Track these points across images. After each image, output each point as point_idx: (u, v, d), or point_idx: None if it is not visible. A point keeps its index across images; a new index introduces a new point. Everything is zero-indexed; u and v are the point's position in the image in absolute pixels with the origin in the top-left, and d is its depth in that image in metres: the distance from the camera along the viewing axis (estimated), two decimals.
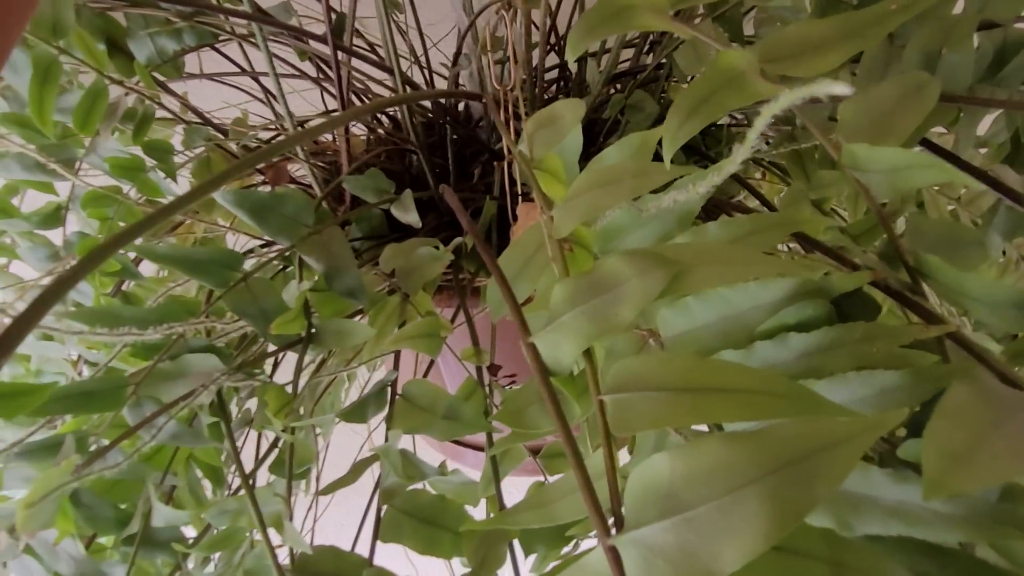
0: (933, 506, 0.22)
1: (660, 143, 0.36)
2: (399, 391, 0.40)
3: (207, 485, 0.48)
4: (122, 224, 0.49)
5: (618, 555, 0.18)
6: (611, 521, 0.19)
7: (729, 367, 0.21)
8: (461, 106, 0.64)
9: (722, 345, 0.30)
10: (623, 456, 0.45)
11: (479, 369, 0.43)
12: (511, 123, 0.47)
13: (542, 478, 0.48)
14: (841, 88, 0.20)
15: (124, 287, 0.57)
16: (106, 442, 0.37)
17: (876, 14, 0.29)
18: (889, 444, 0.27)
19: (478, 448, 0.63)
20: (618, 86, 0.58)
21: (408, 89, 0.52)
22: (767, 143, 0.66)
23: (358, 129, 0.65)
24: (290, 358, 0.56)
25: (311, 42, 0.54)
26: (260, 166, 0.59)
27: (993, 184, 0.39)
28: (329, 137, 0.66)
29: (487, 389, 0.44)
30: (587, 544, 0.33)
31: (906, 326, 0.27)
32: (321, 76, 0.62)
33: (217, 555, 0.44)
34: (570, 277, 0.27)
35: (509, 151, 0.49)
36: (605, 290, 0.25)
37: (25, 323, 0.19)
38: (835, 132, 0.30)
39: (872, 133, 0.30)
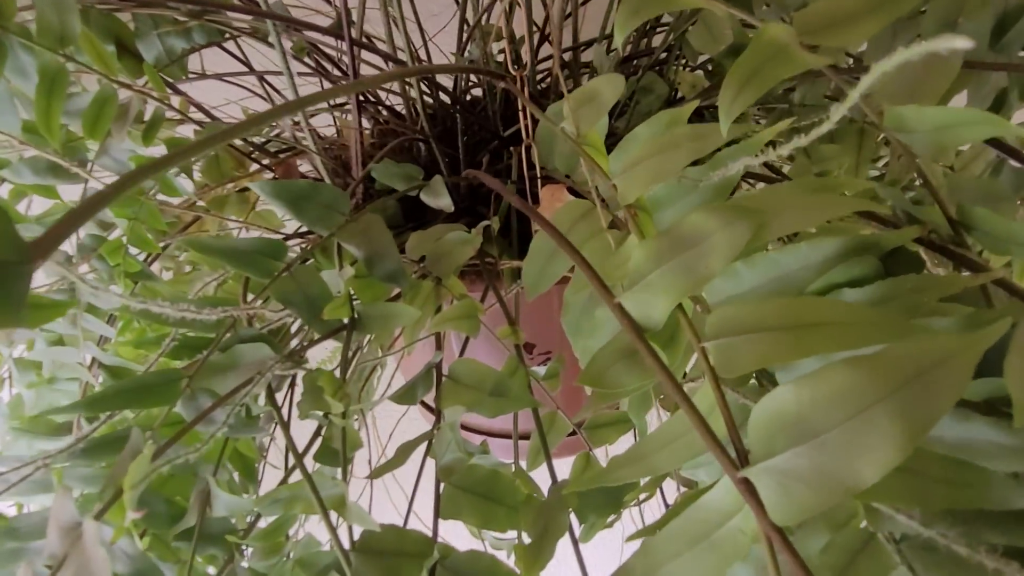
0: (995, 439, 0.24)
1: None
2: (445, 372, 0.41)
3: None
4: (144, 227, 0.49)
5: (752, 486, 0.20)
6: (733, 456, 0.21)
7: (822, 303, 0.23)
8: (467, 95, 0.65)
9: None
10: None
11: (517, 348, 0.44)
12: (528, 106, 0.48)
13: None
14: (962, 42, 0.21)
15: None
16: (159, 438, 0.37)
17: None
18: None
19: (499, 435, 0.64)
20: (625, 67, 0.59)
21: (417, 78, 0.52)
22: (760, 121, 0.68)
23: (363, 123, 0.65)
24: (314, 352, 0.57)
25: (320, 36, 0.54)
26: (269, 162, 0.59)
27: (1000, 146, 0.41)
28: (331, 132, 0.66)
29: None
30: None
31: (955, 275, 0.29)
32: (321, 71, 0.62)
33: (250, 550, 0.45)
34: (649, 238, 0.28)
35: (527, 134, 0.50)
36: (691, 245, 0.26)
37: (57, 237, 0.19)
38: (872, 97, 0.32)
39: (907, 98, 0.32)
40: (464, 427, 0.71)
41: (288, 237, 0.56)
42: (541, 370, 0.46)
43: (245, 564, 0.40)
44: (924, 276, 0.29)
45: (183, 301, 0.33)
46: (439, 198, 0.45)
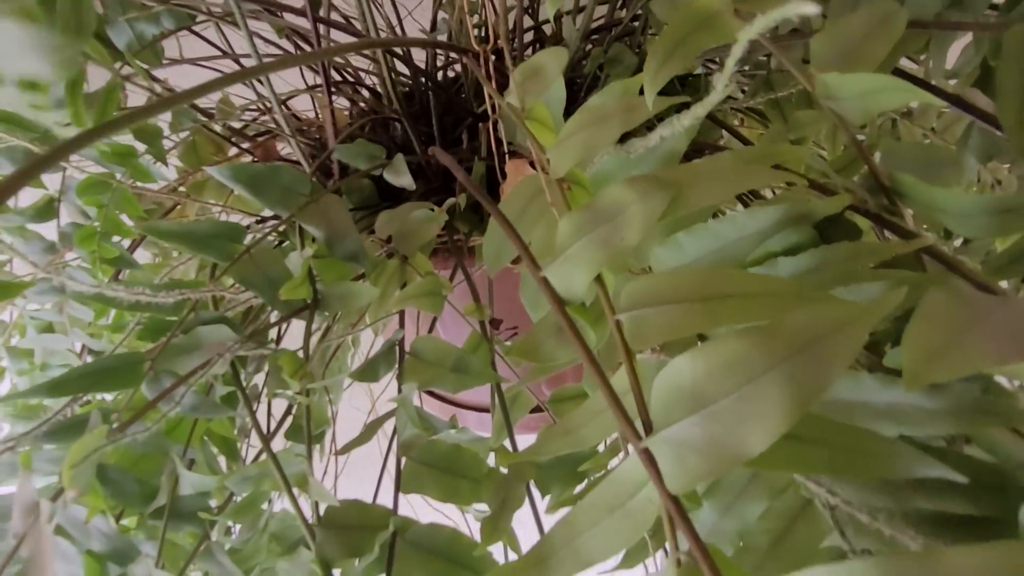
0: (920, 403, 0.24)
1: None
2: (407, 349, 0.41)
3: (222, 462, 0.49)
4: (117, 211, 0.49)
5: (651, 456, 0.20)
6: (640, 428, 0.21)
7: (733, 275, 0.23)
8: (441, 74, 0.65)
9: None
10: None
11: (482, 324, 0.44)
12: (493, 80, 0.47)
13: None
14: (809, 7, 0.21)
15: (121, 276, 0.58)
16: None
17: None
18: (876, 355, 0.29)
19: (480, 409, 0.65)
20: (595, 39, 0.58)
21: (389, 57, 0.52)
22: (743, 91, 0.67)
23: (340, 103, 0.65)
24: (293, 332, 0.57)
25: (289, 17, 0.54)
26: (248, 146, 0.59)
27: (965, 107, 0.40)
28: (311, 115, 0.67)
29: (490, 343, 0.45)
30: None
31: (887, 242, 0.29)
32: (300, 52, 0.62)
33: (238, 526, 0.46)
34: (574, 210, 0.28)
35: (494, 110, 0.50)
36: (609, 218, 0.26)
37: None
38: (809, 67, 0.31)
39: (843, 64, 0.31)
40: (453, 403, 0.72)
41: (263, 220, 0.57)
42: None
43: (215, 537, 0.41)
44: (857, 244, 0.29)
45: (138, 285, 0.33)
46: (400, 176, 0.46)
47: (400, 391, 0.40)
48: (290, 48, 0.64)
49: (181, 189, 0.61)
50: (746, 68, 0.61)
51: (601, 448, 0.39)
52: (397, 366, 0.41)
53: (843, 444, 0.20)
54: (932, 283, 0.27)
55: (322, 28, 0.53)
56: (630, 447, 0.21)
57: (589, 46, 0.57)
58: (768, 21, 0.22)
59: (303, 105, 0.72)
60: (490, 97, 0.49)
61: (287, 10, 0.51)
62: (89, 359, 0.59)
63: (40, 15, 0.41)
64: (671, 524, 0.19)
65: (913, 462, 0.19)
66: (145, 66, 0.56)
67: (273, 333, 0.53)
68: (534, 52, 0.64)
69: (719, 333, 0.25)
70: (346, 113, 0.64)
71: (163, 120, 0.62)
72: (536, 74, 0.37)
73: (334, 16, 0.66)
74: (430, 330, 0.51)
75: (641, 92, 0.34)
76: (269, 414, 0.53)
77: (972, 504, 0.21)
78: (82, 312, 0.56)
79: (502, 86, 0.49)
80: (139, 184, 0.51)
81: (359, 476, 0.69)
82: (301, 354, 0.41)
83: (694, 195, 0.26)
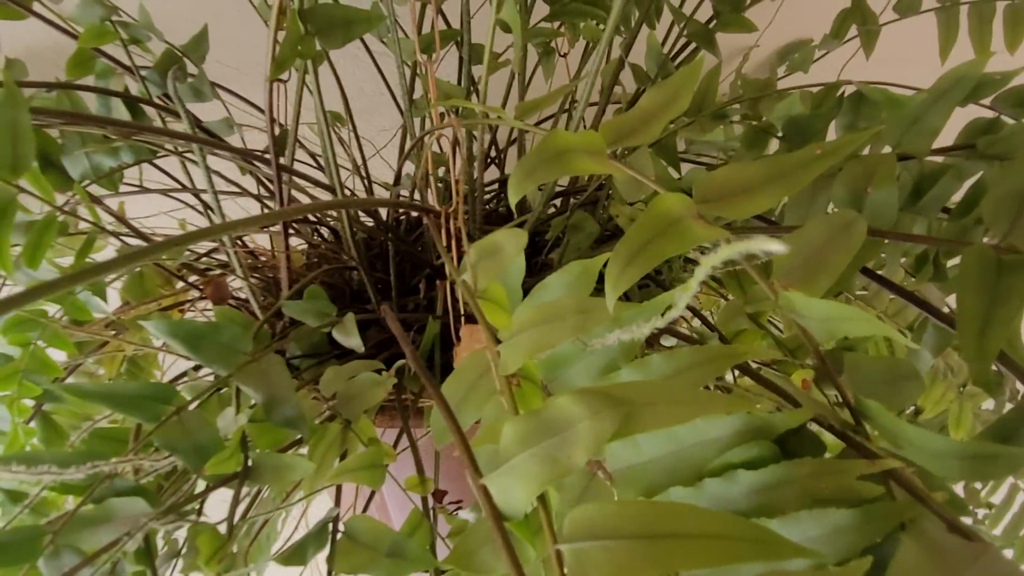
0: None
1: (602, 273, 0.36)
2: (341, 527, 0.39)
3: None
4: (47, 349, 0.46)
5: None
6: None
7: (687, 511, 0.21)
8: (401, 221, 0.65)
9: (670, 481, 0.30)
10: None
11: (424, 500, 0.42)
12: (452, 243, 0.47)
13: None
14: (776, 246, 0.21)
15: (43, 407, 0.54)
16: None
17: (802, 159, 0.31)
18: None
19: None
20: (557, 204, 0.59)
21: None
22: (702, 252, 0.68)
23: (297, 240, 0.64)
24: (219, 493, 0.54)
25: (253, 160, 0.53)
26: (198, 280, 0.58)
27: (922, 305, 0.40)
28: (268, 249, 0.65)
29: (432, 515, 0.43)
30: None
31: (852, 462, 0.28)
32: (263, 192, 0.62)
33: None
34: (520, 416, 0.26)
35: (450, 271, 0.49)
36: (556, 431, 0.25)
37: None
38: (771, 273, 0.31)
39: (806, 272, 0.31)
40: None
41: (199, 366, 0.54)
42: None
43: None
44: (821, 461, 0.28)
45: (43, 461, 0.31)
46: (349, 338, 0.44)
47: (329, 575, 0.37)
48: (251, 184, 0.63)
49: (122, 317, 0.58)
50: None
51: None
52: (328, 546, 0.38)
53: None
54: (900, 516, 0.26)
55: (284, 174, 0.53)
56: None
57: (553, 208, 0.57)
58: (733, 251, 0.22)
59: (259, 234, 0.71)
60: (448, 257, 0.48)
61: (251, 156, 0.50)
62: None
63: None
64: None
65: None
66: (101, 193, 0.55)
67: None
68: (497, 206, 0.64)
69: None
70: (302, 252, 0.63)
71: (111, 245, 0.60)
72: (494, 254, 0.36)
73: (300, 154, 0.66)
74: (371, 495, 0.49)
75: (598, 284, 0.33)
76: None
77: None
78: None
79: (461, 242, 0.49)
80: (74, 320, 0.49)
81: None
82: (224, 527, 0.38)
83: (648, 416, 0.25)
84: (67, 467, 0.31)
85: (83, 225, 0.55)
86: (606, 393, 0.25)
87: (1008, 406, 0.45)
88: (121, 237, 0.56)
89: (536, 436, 0.26)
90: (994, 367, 0.35)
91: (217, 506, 0.43)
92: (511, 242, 0.36)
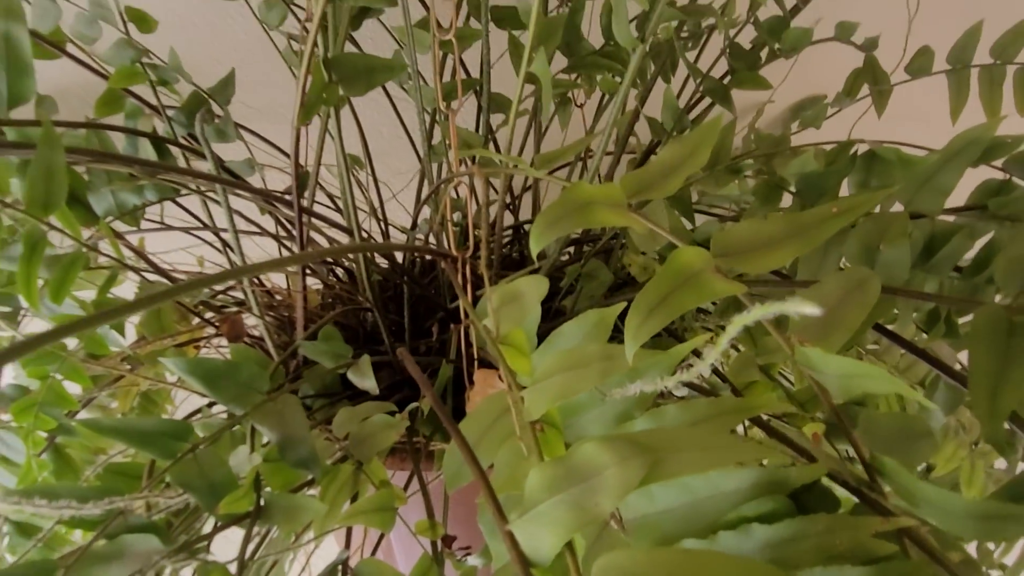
0: None
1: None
2: (351, 569, 0.38)
3: None
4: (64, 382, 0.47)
5: None
6: None
7: (716, 558, 0.22)
8: (416, 263, 0.66)
9: (684, 532, 0.30)
10: None
11: (433, 544, 0.41)
12: (468, 286, 0.48)
13: None
14: (811, 308, 0.21)
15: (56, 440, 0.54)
16: None
17: (819, 216, 0.32)
18: None
19: None
20: (571, 251, 0.60)
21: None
22: (714, 303, 0.69)
23: (313, 280, 0.65)
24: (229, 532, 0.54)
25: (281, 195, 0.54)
26: (215, 318, 0.58)
27: (933, 363, 0.41)
28: (284, 288, 0.66)
29: (440, 561, 0.42)
30: None
31: (867, 518, 0.28)
32: (282, 233, 0.63)
33: None
34: (547, 462, 0.26)
35: (466, 315, 0.50)
36: (584, 478, 0.25)
37: None
38: (787, 328, 0.32)
39: (822, 328, 0.31)
40: None
41: (214, 403, 0.55)
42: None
43: None
44: (835, 517, 0.28)
45: (63, 495, 0.31)
46: (364, 379, 0.44)
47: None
48: (270, 224, 0.64)
49: (137, 352, 0.59)
50: None
51: None
52: None
53: None
54: (915, 575, 0.26)
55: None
56: None
57: (567, 255, 0.58)
58: (766, 312, 0.23)
59: (275, 273, 0.72)
60: (464, 301, 0.49)
61: (273, 197, 0.51)
62: (7, 528, 0.55)
63: (5, 186, 0.41)
64: None
65: None
66: (121, 229, 0.56)
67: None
68: (511, 251, 0.65)
69: None
70: (318, 292, 0.64)
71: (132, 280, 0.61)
72: (515, 300, 0.37)
73: (319, 196, 0.68)
74: (380, 537, 0.48)
75: (616, 331, 0.34)
76: None
77: None
78: (6, 479, 0.52)
79: (477, 286, 0.50)
80: (91, 354, 0.49)
81: None
82: (235, 567, 0.38)
83: (674, 464, 0.25)
84: (86, 502, 0.31)
85: (102, 259, 0.56)
86: (633, 440, 0.26)
87: (1021, 465, 0.44)
88: (141, 272, 0.57)
89: (563, 482, 0.26)
90: (1006, 426, 0.35)
91: (221, 545, 0.43)
92: (532, 289, 0.36)
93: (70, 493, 0.32)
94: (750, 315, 0.22)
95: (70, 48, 0.60)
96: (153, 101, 0.59)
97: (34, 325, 0.53)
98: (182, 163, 0.59)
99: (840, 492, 0.31)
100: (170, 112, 0.58)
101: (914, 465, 0.31)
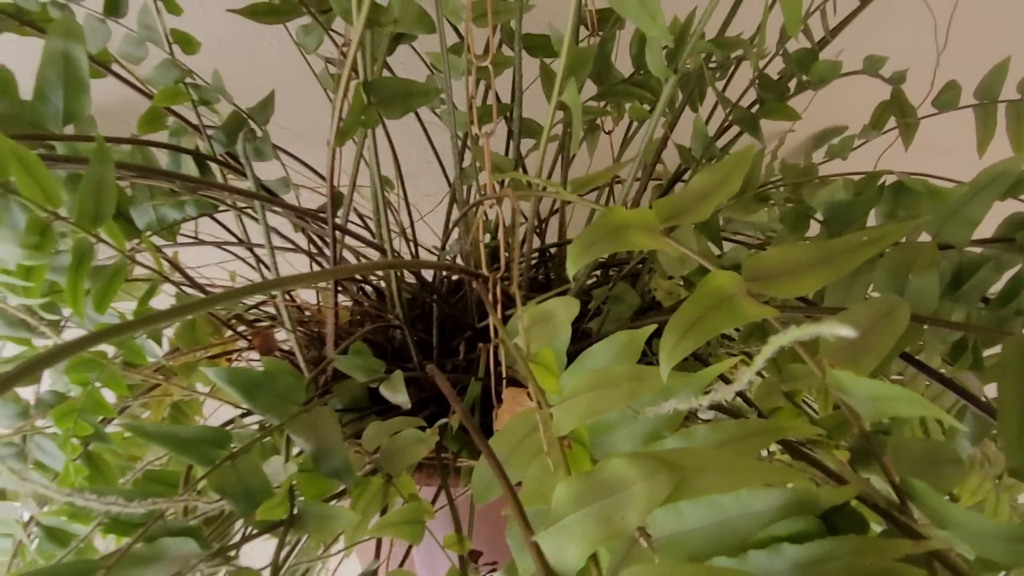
0: None
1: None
2: None
3: None
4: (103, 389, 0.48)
5: None
6: None
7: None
8: (444, 282, 0.67)
9: (714, 551, 0.31)
10: None
11: (460, 558, 0.42)
12: (499, 306, 0.48)
13: None
14: (846, 331, 0.22)
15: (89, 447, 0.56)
16: None
17: (849, 244, 0.32)
18: None
19: None
20: (597, 274, 0.61)
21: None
22: (737, 329, 0.69)
23: (343, 297, 0.66)
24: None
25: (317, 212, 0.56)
26: (247, 331, 0.60)
27: (960, 393, 0.41)
28: (314, 304, 0.67)
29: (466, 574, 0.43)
30: None
31: (897, 541, 0.28)
32: (314, 250, 0.64)
33: None
34: (574, 476, 0.27)
35: (496, 333, 0.51)
36: (610, 492, 0.25)
37: None
38: (819, 352, 0.32)
39: (852, 353, 0.32)
40: None
41: (246, 413, 0.56)
42: None
43: None
44: (865, 539, 0.28)
45: (110, 492, 0.32)
46: (397, 394, 0.45)
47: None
48: (302, 240, 0.66)
49: (171, 363, 0.60)
50: None
51: None
52: None
53: None
54: None
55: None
56: None
57: (594, 278, 0.59)
58: (803, 334, 0.23)
59: (306, 289, 0.74)
60: (494, 320, 0.50)
61: (308, 214, 0.53)
62: (36, 533, 0.56)
63: (57, 199, 0.42)
64: None
65: None
66: (159, 243, 0.57)
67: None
68: (537, 273, 0.66)
69: None
70: (347, 308, 0.65)
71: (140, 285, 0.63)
72: (546, 321, 0.37)
73: (351, 216, 0.69)
74: (406, 554, 0.49)
75: (650, 352, 0.34)
76: None
77: None
78: (40, 483, 0.54)
79: (506, 305, 0.51)
80: (128, 362, 0.51)
81: None
82: (268, 573, 0.39)
83: (700, 482, 0.26)
84: (131, 501, 0.32)
85: (138, 271, 0.58)
86: (660, 457, 0.26)
87: None
88: (179, 285, 0.58)
89: (590, 496, 0.27)
90: None
91: (247, 553, 0.44)
92: (563, 310, 0.37)
93: (116, 493, 0.33)
94: (787, 335, 0.23)
95: (115, 67, 0.62)
96: (192, 120, 0.61)
97: (72, 335, 0.55)
98: (221, 180, 0.61)
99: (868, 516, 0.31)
100: (210, 131, 0.60)
101: (942, 491, 0.32)
